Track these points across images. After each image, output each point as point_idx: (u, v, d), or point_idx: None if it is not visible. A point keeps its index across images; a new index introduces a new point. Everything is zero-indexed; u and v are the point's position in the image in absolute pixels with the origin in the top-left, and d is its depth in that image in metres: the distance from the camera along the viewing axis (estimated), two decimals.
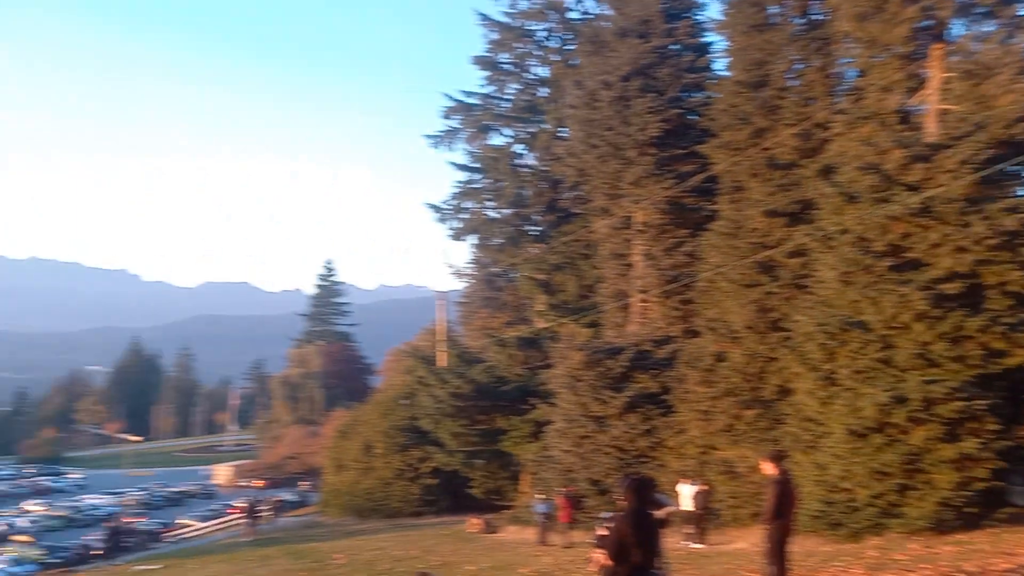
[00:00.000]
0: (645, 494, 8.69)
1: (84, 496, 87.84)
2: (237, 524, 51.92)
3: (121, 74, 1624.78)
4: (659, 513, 11.34)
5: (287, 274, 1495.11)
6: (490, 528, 34.24)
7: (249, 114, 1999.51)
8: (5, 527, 72.43)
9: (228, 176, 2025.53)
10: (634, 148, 33.71)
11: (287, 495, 72.62)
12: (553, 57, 50.70)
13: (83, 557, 60.54)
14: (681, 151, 33.39)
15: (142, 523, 65.31)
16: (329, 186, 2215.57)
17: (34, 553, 60.95)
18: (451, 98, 53.10)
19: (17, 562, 58.43)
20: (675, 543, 20.77)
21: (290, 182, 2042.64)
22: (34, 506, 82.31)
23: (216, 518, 65.05)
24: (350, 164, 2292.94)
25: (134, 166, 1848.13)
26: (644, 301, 34.20)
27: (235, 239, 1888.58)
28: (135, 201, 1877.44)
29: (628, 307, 35.33)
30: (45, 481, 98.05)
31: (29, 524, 73.78)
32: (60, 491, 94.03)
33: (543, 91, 51.39)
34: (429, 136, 54.16)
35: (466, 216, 53.30)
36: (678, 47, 36.18)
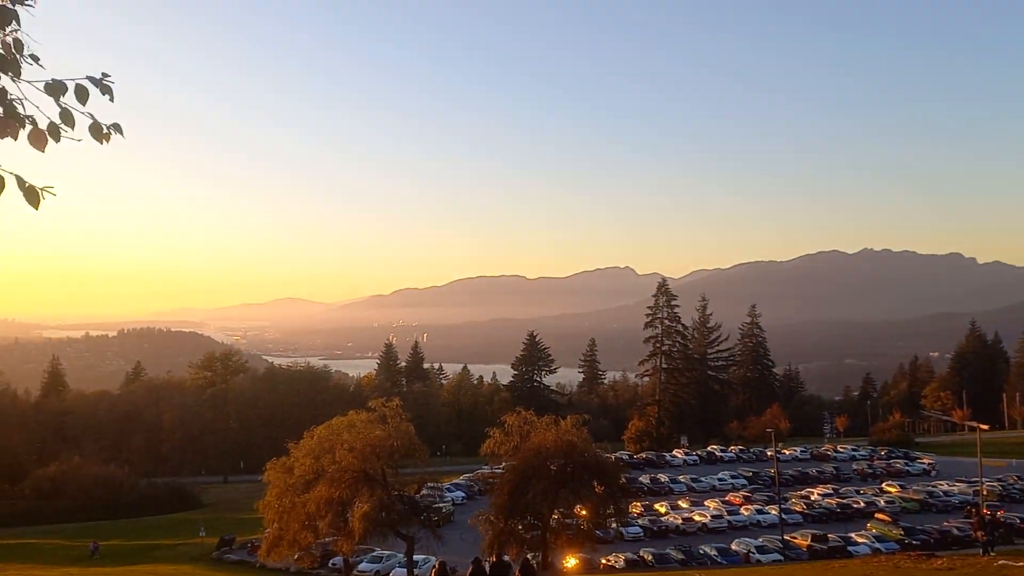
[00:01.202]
0: None
1: (937, 482, 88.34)
2: None
3: None
4: None
5: None
6: None
7: None
8: (864, 504, 77.85)
9: None
10: None
11: None
12: None
13: (942, 542, 60.82)
14: None
15: (1002, 516, 62.33)
16: None
17: (894, 532, 63.96)
18: None
19: (878, 539, 62.19)
20: None
21: None
22: (890, 487, 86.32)
23: None
24: None
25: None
26: None
27: None
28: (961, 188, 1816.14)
29: None
30: (898, 464, 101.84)
31: (885, 504, 77.75)
32: (912, 475, 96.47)
33: None
34: None
35: None
36: None
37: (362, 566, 56.10)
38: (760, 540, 62.56)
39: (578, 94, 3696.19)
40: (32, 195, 4.52)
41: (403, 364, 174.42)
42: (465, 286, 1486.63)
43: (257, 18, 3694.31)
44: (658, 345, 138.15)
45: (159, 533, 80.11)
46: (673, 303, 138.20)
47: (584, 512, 51.04)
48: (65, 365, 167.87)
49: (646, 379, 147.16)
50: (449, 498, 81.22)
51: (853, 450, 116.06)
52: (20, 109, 4.41)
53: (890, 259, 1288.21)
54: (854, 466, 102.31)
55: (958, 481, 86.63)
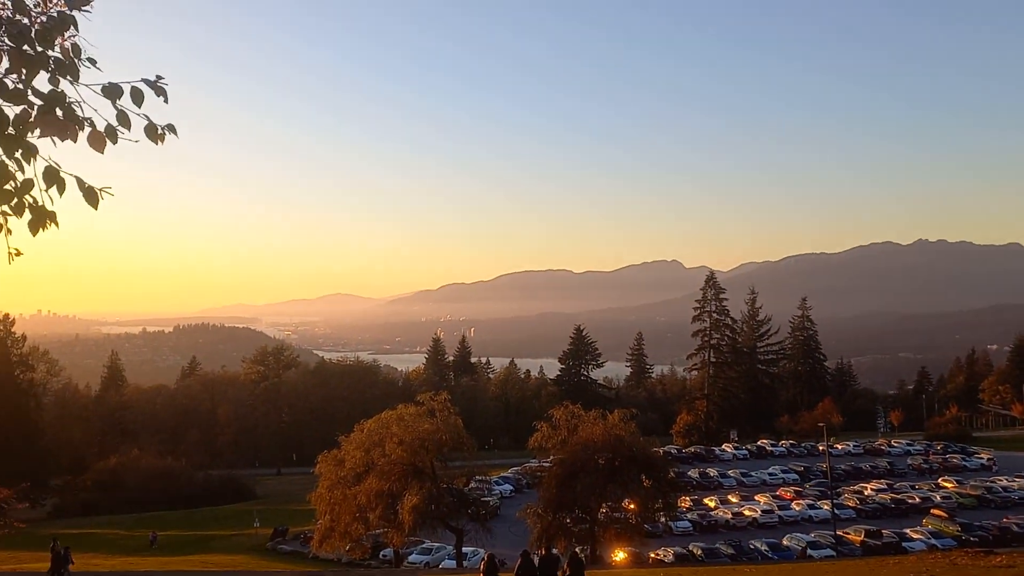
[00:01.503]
0: None
1: (996, 477, 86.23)
2: None
3: None
4: None
5: None
6: None
7: None
8: (919, 500, 76.29)
9: None
10: None
11: None
12: None
13: (1001, 539, 59.34)
14: None
15: None
16: None
17: (951, 529, 62.58)
18: None
19: (934, 535, 60.92)
20: None
21: None
22: (946, 483, 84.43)
23: None
24: None
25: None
26: None
27: None
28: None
29: None
30: (955, 459, 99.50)
31: (942, 500, 76.09)
32: (970, 470, 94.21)
33: None
34: None
35: None
36: None
37: (412, 558, 56.74)
38: (812, 535, 61.74)
39: (624, 85, 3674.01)
40: (91, 195, 4.71)
41: (451, 358, 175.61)
42: (512, 280, 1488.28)
43: (313, 19, 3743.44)
44: (706, 339, 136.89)
45: (215, 524, 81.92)
46: (721, 296, 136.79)
47: (632, 506, 50.92)
48: (123, 360, 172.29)
49: (694, 373, 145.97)
50: (497, 491, 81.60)
51: (908, 445, 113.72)
52: (79, 112, 4.60)
53: (946, 250, 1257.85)
54: (909, 461, 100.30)
55: (1018, 477, 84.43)
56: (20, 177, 4.70)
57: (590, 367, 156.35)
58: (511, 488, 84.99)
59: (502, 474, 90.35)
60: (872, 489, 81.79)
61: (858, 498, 77.19)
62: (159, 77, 4.62)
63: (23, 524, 44.69)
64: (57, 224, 4.83)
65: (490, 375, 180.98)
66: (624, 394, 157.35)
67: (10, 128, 4.54)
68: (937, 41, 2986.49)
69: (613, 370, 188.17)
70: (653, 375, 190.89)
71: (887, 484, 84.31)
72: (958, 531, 61.27)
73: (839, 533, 59.67)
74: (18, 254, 5.32)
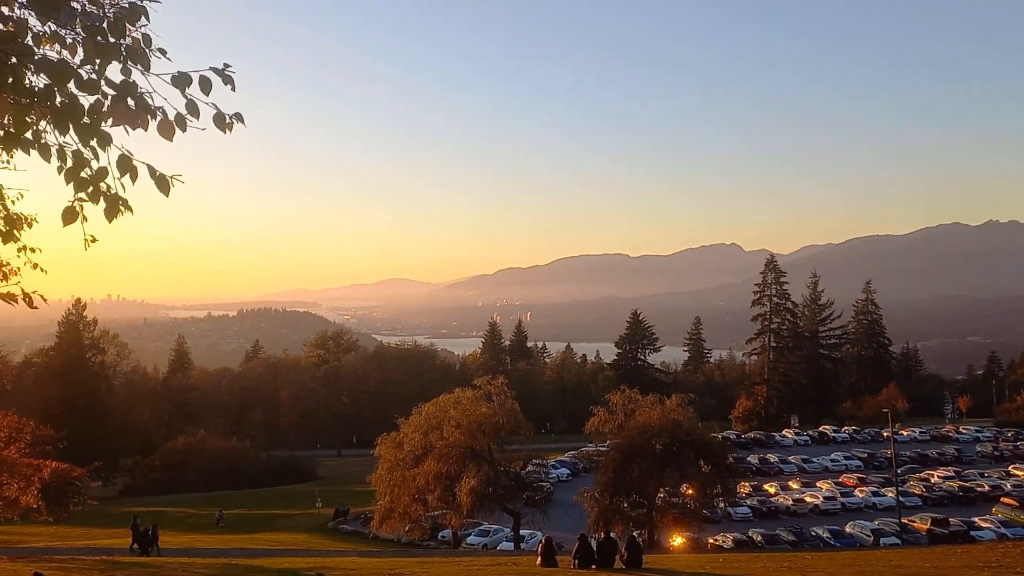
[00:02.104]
0: None
1: None
2: None
3: None
4: None
5: None
6: None
7: None
8: (989, 488, 74.11)
9: None
10: None
11: None
12: None
13: None
14: None
15: None
16: None
17: (1022, 517, 60.71)
18: None
19: (1004, 524, 59.17)
20: None
21: None
22: (1017, 470, 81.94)
23: None
24: None
25: None
26: None
27: None
28: None
29: None
30: None
31: (1012, 488, 73.85)
32: None
33: None
34: None
35: None
36: None
37: (470, 539, 57.31)
38: (876, 523, 60.56)
39: (677, 69, 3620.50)
40: (163, 183, 4.84)
41: (507, 343, 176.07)
42: (568, 265, 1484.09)
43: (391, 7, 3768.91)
44: (766, 323, 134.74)
45: (278, 503, 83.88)
46: (782, 280, 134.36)
47: (690, 491, 50.58)
48: (189, 344, 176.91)
49: (754, 358, 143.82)
50: (554, 475, 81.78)
51: (977, 431, 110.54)
52: (150, 101, 4.71)
53: (1018, 230, 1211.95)
54: (978, 448, 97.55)
55: None
56: (95, 165, 4.85)
57: (647, 352, 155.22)
58: (568, 472, 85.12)
59: (559, 458, 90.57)
60: (939, 476, 79.79)
61: (924, 485, 75.37)
62: (226, 65, 4.70)
63: (96, 501, 46.44)
64: (132, 211, 4.97)
65: (546, 359, 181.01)
66: (682, 379, 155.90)
67: (85, 117, 4.68)
68: (1011, 13, 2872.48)
69: (670, 355, 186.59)
70: (711, 360, 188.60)
71: (955, 471, 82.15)
72: None
73: (904, 521, 58.42)
74: (94, 240, 5.50)
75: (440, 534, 58.35)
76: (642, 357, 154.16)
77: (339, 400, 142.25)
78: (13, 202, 7.83)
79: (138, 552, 40.60)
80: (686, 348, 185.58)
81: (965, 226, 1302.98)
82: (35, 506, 35.68)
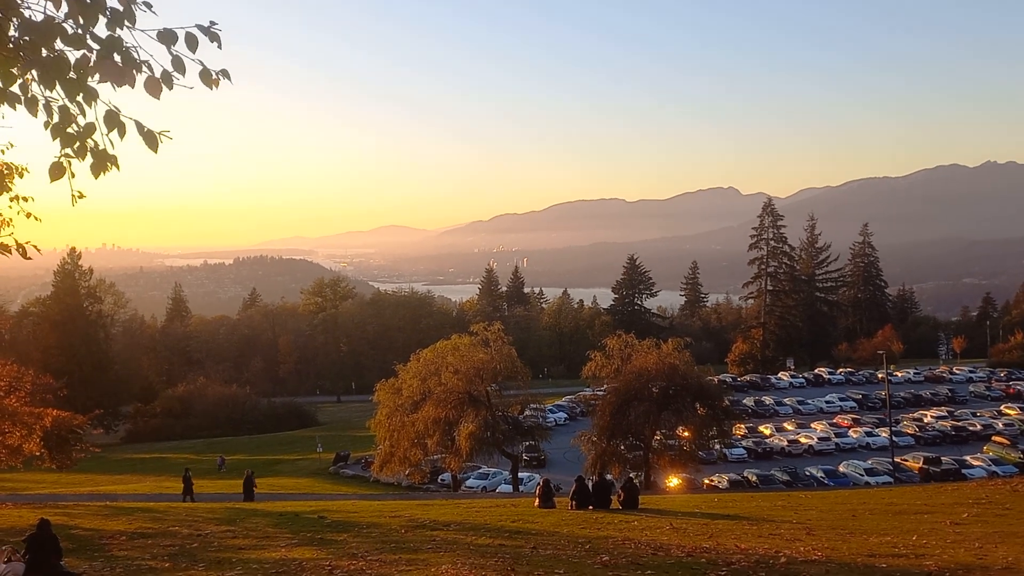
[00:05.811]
0: None
1: None
2: None
3: None
4: None
5: None
6: None
7: None
8: (981, 427, 75.19)
9: None
10: None
11: None
12: None
13: None
14: None
15: None
16: None
17: (1012, 456, 61.70)
18: None
19: (995, 462, 60.14)
20: None
21: None
22: (1009, 410, 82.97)
23: None
24: None
25: None
26: None
27: None
28: None
29: None
30: (1019, 386, 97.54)
31: (1004, 427, 74.90)
32: None
33: None
34: None
35: None
36: None
37: (469, 482, 58.24)
38: (869, 462, 61.55)
39: (676, 5, 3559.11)
40: (151, 139, 4.79)
41: (504, 289, 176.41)
42: (564, 210, 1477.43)
43: None
44: (763, 267, 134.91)
45: (279, 449, 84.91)
46: (779, 223, 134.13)
47: (686, 433, 51.24)
48: (186, 292, 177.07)
49: (750, 301, 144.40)
50: (552, 419, 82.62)
51: (970, 372, 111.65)
52: (136, 56, 4.64)
53: (1016, 172, 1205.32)
54: (971, 388, 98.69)
55: None
56: (82, 121, 4.80)
57: (644, 297, 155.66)
58: (565, 416, 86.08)
59: (556, 402, 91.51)
60: (932, 416, 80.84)
61: (917, 425, 76.42)
62: (212, 23, 4.63)
63: (98, 449, 46.94)
64: (118, 167, 4.93)
65: (543, 305, 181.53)
66: (678, 323, 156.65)
67: (71, 72, 4.61)
68: None
69: (667, 300, 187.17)
70: (708, 304, 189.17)
71: (948, 411, 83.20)
72: (1020, 458, 60.43)
73: (897, 460, 59.35)
74: (81, 196, 5.48)
75: (440, 477, 59.27)
76: (639, 302, 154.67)
77: (338, 347, 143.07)
78: (3, 152, 7.78)
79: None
80: (683, 293, 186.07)
81: (963, 167, 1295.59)
82: (38, 454, 36.07)
